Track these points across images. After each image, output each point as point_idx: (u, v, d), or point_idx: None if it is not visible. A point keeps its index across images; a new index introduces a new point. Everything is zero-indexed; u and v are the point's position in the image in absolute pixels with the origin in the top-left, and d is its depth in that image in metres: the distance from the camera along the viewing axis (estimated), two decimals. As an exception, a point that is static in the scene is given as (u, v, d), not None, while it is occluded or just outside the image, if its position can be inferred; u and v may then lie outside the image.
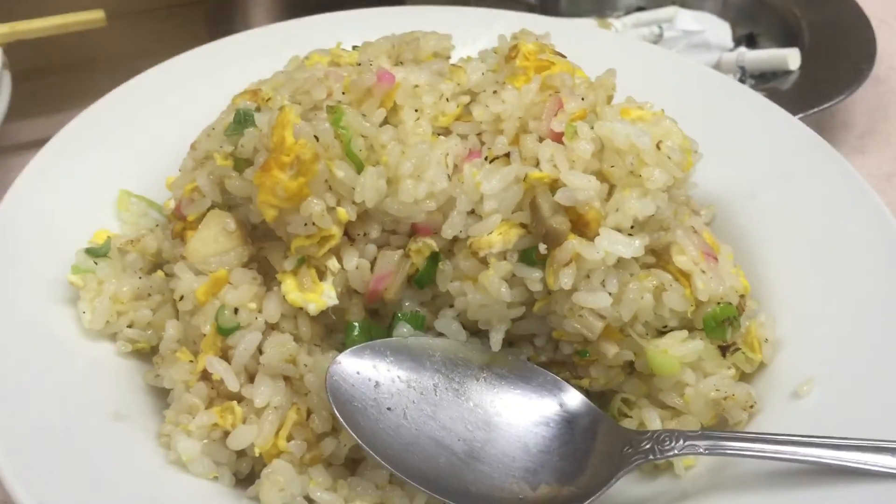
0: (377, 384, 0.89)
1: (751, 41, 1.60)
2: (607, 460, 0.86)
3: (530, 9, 1.55)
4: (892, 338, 0.91)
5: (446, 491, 0.85)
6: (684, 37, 1.54)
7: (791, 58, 1.45)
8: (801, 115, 1.25)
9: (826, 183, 1.09)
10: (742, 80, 1.49)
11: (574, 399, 0.92)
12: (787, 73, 1.46)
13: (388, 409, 0.88)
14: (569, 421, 0.91)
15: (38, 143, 1.41)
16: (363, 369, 0.89)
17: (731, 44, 1.56)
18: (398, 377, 0.90)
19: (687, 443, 0.84)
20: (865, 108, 1.52)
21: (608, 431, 0.89)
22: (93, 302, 0.94)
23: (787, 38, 1.54)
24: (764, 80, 1.49)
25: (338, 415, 0.85)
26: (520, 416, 0.91)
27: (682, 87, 1.21)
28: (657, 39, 1.54)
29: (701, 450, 0.83)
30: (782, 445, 0.81)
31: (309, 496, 0.86)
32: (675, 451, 0.84)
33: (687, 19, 1.56)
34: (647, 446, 0.85)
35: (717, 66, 1.51)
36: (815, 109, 1.34)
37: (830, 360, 0.92)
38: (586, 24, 1.53)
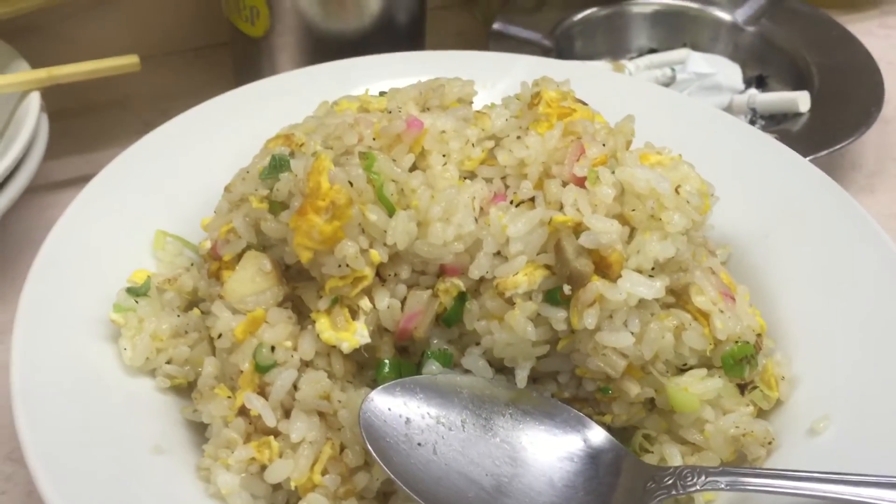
0: (408, 420, 0.92)
1: (761, 83, 1.64)
2: (631, 495, 0.89)
3: (546, 52, 1.60)
4: (905, 375, 0.94)
5: (476, 526, 0.87)
6: (696, 79, 1.58)
7: (801, 100, 1.49)
8: (811, 157, 1.28)
9: (837, 223, 1.12)
10: (753, 122, 1.53)
11: (598, 435, 0.94)
12: (798, 115, 1.49)
13: (419, 444, 0.91)
14: (593, 457, 0.93)
15: (72, 182, 1.46)
16: (394, 406, 0.92)
17: (741, 86, 1.60)
18: (428, 413, 0.93)
19: (709, 479, 0.86)
20: (873, 148, 1.56)
21: (631, 467, 0.92)
22: (133, 339, 0.98)
23: (797, 81, 1.58)
24: (774, 122, 1.52)
25: (371, 451, 0.88)
26: (545, 451, 0.94)
27: (695, 130, 1.25)
28: (670, 81, 1.59)
29: (722, 485, 0.86)
30: (801, 482, 0.83)
31: (343, 529, 0.89)
32: (697, 487, 0.86)
33: (699, 62, 1.60)
34: (670, 482, 0.87)
35: (729, 108, 1.56)
36: (826, 151, 1.37)
37: (846, 397, 0.95)
38: (601, 67, 1.58)
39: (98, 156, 1.42)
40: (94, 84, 1.45)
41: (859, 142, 1.50)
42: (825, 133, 1.42)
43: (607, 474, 0.92)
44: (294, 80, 1.34)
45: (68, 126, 1.52)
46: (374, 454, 0.88)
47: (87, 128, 1.56)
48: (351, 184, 0.92)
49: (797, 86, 1.56)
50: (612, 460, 0.93)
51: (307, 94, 1.23)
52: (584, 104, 1.08)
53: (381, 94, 1.16)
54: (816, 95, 1.50)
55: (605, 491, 0.91)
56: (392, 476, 0.87)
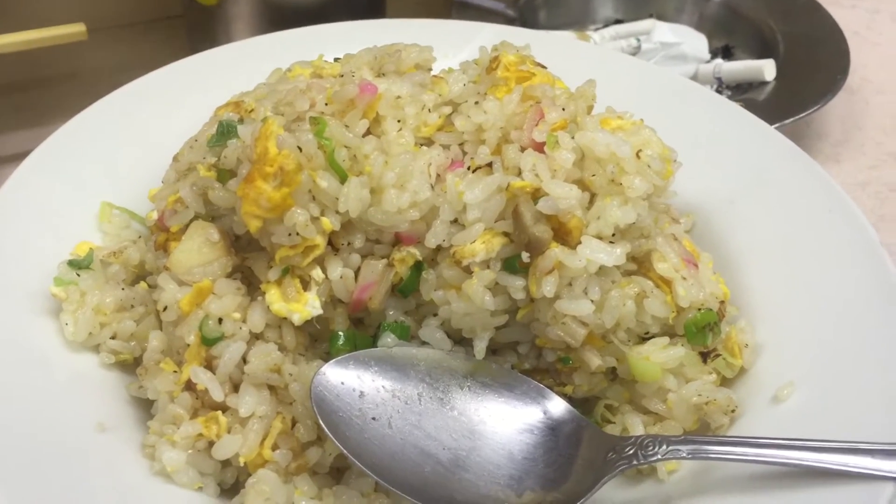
0: (362, 394, 0.89)
1: (727, 53, 1.63)
2: (591, 466, 0.87)
3: (510, 21, 1.56)
4: (870, 340, 0.92)
5: (432, 499, 0.85)
6: (661, 49, 1.56)
7: (766, 69, 1.47)
8: (777, 125, 1.27)
9: (803, 191, 1.10)
10: (719, 91, 1.51)
11: (558, 406, 0.92)
12: (763, 83, 1.48)
13: (373, 418, 0.88)
14: (553, 428, 0.91)
15: (20, 157, 1.40)
16: (347, 379, 0.89)
17: (707, 56, 1.58)
18: (383, 387, 0.90)
19: (670, 448, 0.84)
20: (839, 118, 1.55)
21: (592, 438, 0.90)
22: (75, 314, 0.94)
23: (762, 50, 1.56)
24: (740, 91, 1.51)
25: (323, 425, 0.85)
26: (504, 424, 0.91)
27: (660, 98, 1.22)
28: (635, 52, 1.56)
29: (684, 454, 0.84)
30: (764, 448, 0.82)
31: (294, 505, 0.86)
32: (659, 456, 0.85)
33: (664, 32, 1.58)
34: (631, 452, 0.86)
35: (695, 78, 1.53)
36: (791, 119, 1.36)
37: (810, 364, 0.93)
38: (565, 37, 1.55)
39: (48, 130, 1.36)
40: (43, 57, 1.40)
41: (825, 111, 1.49)
42: (791, 101, 1.40)
43: (568, 446, 0.90)
44: (248, 48, 1.30)
45: (16, 100, 1.47)
46: (326, 429, 0.85)
47: (37, 102, 1.51)
48: (300, 149, 0.89)
49: (763, 55, 1.54)
50: (573, 431, 0.91)
51: (262, 62, 1.18)
52: (544, 67, 1.05)
53: (336, 60, 1.12)
54: (782, 64, 1.49)
55: (566, 462, 0.89)
56: (345, 451, 0.85)
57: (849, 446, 0.81)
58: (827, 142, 1.50)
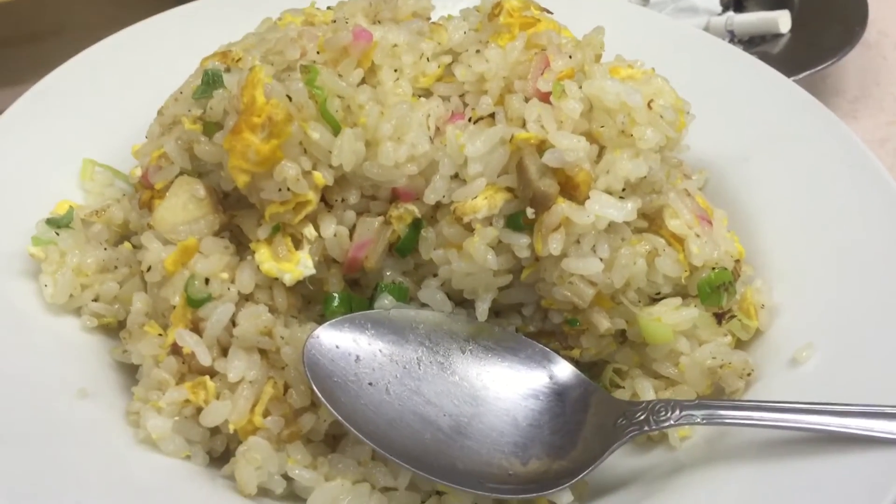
0: (358, 358, 0.85)
1: (738, 5, 1.56)
2: (600, 433, 0.83)
3: (513, -27, 1.49)
4: (892, 301, 0.88)
5: (432, 468, 0.81)
6: (671, 1, 1.49)
7: (781, 20, 1.42)
8: (792, 79, 1.21)
9: (822, 145, 1.05)
10: (731, 45, 1.45)
11: (564, 370, 0.88)
12: (777, 36, 1.42)
13: (370, 384, 0.84)
14: (559, 393, 0.87)
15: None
16: (343, 343, 0.85)
17: (719, 8, 1.52)
18: (380, 351, 0.86)
19: (683, 413, 0.80)
20: (857, 73, 1.49)
21: (600, 403, 0.86)
22: (55, 275, 0.90)
23: (776, 1, 1.50)
24: (753, 45, 1.45)
25: (317, 391, 0.81)
26: (508, 389, 0.87)
27: (672, 50, 1.17)
28: (644, 3, 1.50)
29: (698, 419, 0.80)
30: (784, 413, 0.78)
31: (287, 474, 0.83)
32: (671, 422, 0.80)
33: (674, -17, 1.51)
34: (642, 417, 0.81)
35: (706, 31, 1.47)
36: (807, 72, 1.30)
37: (829, 325, 0.89)
38: (571, -11, 1.48)
39: (28, 87, 1.32)
40: (29, 13, 1.34)
41: (842, 67, 1.43)
42: (806, 54, 1.35)
43: (575, 412, 0.86)
44: (238, -1, 1.23)
45: (1, 55, 1.40)
46: (320, 395, 0.81)
47: (22, 58, 1.45)
48: (290, 98, 0.84)
49: (777, 7, 1.48)
50: (580, 396, 0.86)
51: (252, 12, 1.12)
52: (549, 13, 0.99)
53: (329, 8, 1.06)
54: (796, 15, 1.43)
55: (573, 429, 0.84)
56: (340, 418, 0.81)
57: (872, 410, 0.76)
58: (844, 97, 1.45)
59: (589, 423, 0.85)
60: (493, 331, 0.89)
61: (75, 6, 1.39)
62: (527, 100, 0.90)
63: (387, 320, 0.87)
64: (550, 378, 0.88)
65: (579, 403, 0.86)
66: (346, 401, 0.82)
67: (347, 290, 0.90)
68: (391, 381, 0.85)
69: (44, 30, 1.50)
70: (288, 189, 0.84)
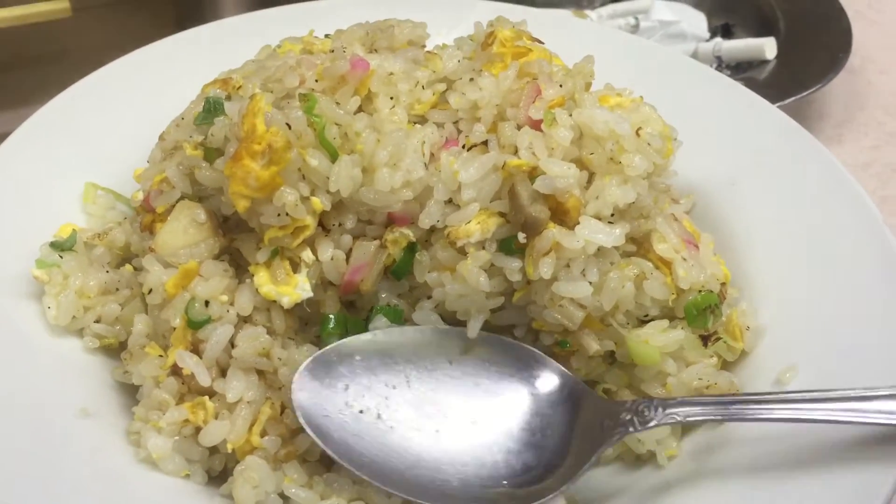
0: (346, 387, 0.87)
1: (726, 32, 1.60)
2: (588, 435, 0.85)
3: None
4: (874, 323, 0.90)
5: (426, 491, 0.83)
6: (660, 27, 1.53)
7: (767, 47, 1.45)
8: (778, 105, 1.24)
9: (805, 170, 1.08)
10: (718, 71, 1.48)
11: (553, 371, 0.90)
12: (764, 62, 1.45)
13: (361, 412, 0.86)
14: (549, 394, 0.89)
15: (3, 138, 1.37)
16: (329, 376, 0.87)
17: (706, 34, 1.55)
18: (368, 376, 0.88)
19: (667, 411, 0.82)
20: (841, 98, 1.52)
21: (589, 403, 0.88)
22: (58, 297, 0.91)
23: (762, 29, 1.54)
24: (740, 71, 1.48)
25: (311, 433, 0.83)
26: (498, 397, 0.89)
27: (660, 76, 1.19)
28: (633, 30, 1.53)
29: (680, 418, 0.81)
30: (768, 405, 0.79)
31: (284, 493, 0.84)
32: (656, 421, 0.82)
33: (663, 10, 1.55)
34: (627, 417, 0.83)
35: (694, 57, 1.50)
36: (792, 98, 1.33)
37: (813, 347, 0.91)
38: (563, 15, 1.52)
39: (32, 110, 1.34)
40: (28, 36, 1.37)
41: (827, 92, 1.47)
42: (792, 80, 1.38)
43: (565, 412, 0.87)
44: (238, 25, 1.27)
45: (1, 80, 1.43)
46: (313, 435, 0.83)
47: (22, 82, 1.48)
48: (289, 126, 0.86)
49: (763, 34, 1.51)
50: (569, 397, 0.88)
51: (251, 39, 1.15)
52: (541, 43, 1.02)
53: (327, 36, 1.09)
54: (782, 42, 1.46)
55: (564, 431, 0.86)
56: (335, 456, 0.82)
57: (856, 395, 0.78)
58: (828, 122, 1.48)
59: (579, 424, 0.86)
60: (479, 338, 0.90)
61: (78, 31, 1.41)
62: (519, 127, 0.92)
63: (372, 344, 0.89)
64: (540, 379, 0.90)
65: (568, 404, 0.88)
66: (339, 436, 0.84)
67: (344, 312, 0.92)
68: (381, 405, 0.87)
69: (47, 55, 1.52)
70: (287, 214, 0.86)
